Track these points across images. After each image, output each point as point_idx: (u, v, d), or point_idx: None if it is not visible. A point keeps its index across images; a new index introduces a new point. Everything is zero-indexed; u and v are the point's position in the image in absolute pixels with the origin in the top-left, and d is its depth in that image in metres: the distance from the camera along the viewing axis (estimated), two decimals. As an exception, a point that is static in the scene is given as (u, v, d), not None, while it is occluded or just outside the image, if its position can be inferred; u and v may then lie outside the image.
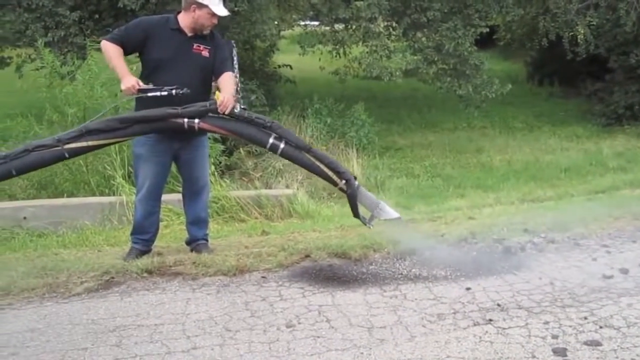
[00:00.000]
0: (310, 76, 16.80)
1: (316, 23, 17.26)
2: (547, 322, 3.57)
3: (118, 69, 4.38)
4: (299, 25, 18.63)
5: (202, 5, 4.44)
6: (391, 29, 13.86)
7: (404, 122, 15.34)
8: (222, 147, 8.73)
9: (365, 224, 4.53)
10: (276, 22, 17.15)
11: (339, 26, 14.43)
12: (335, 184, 4.44)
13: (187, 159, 4.76)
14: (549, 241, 5.01)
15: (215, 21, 4.52)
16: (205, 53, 4.53)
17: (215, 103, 4.21)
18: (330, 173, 4.40)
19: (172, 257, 4.74)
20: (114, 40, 4.43)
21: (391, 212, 4.47)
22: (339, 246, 4.86)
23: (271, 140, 4.27)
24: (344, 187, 4.40)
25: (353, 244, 4.89)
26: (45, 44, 10.36)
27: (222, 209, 6.78)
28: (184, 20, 4.52)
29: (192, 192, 4.91)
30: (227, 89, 4.34)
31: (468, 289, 4.08)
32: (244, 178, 9.13)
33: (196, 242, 4.98)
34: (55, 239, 5.98)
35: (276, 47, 15.40)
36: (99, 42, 11.62)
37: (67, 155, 4.06)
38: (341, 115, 12.31)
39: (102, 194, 7.09)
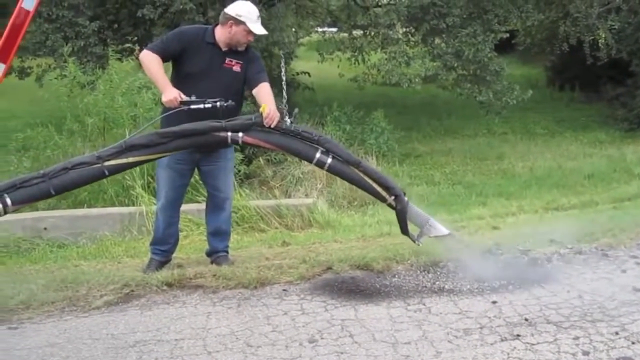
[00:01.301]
0: (328, 83, 16.75)
1: (334, 29, 17.24)
2: (577, 338, 3.47)
3: (159, 80, 4.33)
4: (317, 31, 18.63)
5: (239, 22, 4.40)
6: (410, 35, 13.78)
7: (423, 129, 15.24)
8: (241, 155, 8.69)
9: (414, 241, 4.40)
10: (294, 29, 17.16)
11: (357, 33, 14.39)
12: (384, 199, 4.30)
13: (209, 170, 4.72)
14: (576, 252, 4.89)
15: (251, 38, 4.47)
16: (237, 68, 4.48)
17: (261, 116, 4.09)
18: (378, 189, 4.26)
19: (192, 270, 4.68)
20: (154, 51, 4.39)
21: (441, 229, 4.34)
22: (361, 258, 4.78)
23: (318, 155, 4.13)
24: (393, 203, 4.26)
25: (375, 256, 4.81)
26: (63, 54, 10.44)
27: (242, 219, 6.73)
28: (221, 34, 4.47)
29: (214, 204, 4.87)
30: (270, 102, 4.25)
31: (494, 302, 3.98)
32: (263, 187, 9.08)
33: (216, 255, 4.93)
34: (75, 250, 5.97)
35: (294, 54, 15.36)
36: (118, 52, 11.74)
37: (107, 173, 3.93)
38: (360, 123, 12.25)
39: (121, 204, 7.07)
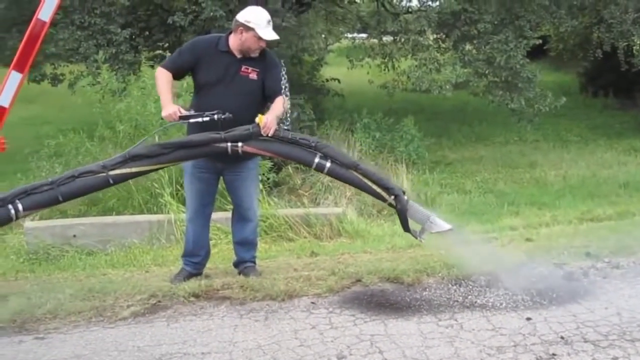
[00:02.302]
0: (358, 89, 16.66)
1: (364, 35, 17.18)
2: (615, 358, 3.35)
3: (162, 96, 4.38)
4: (347, 37, 18.58)
5: (248, 28, 4.37)
6: (440, 42, 13.64)
7: (454, 136, 15.06)
8: (270, 163, 8.65)
9: (417, 238, 4.32)
10: (324, 36, 17.16)
11: (387, 39, 14.30)
12: (384, 200, 4.28)
13: (232, 180, 4.70)
14: (614, 266, 4.73)
15: (262, 44, 4.43)
16: (254, 75, 4.45)
17: (258, 126, 4.12)
18: (378, 190, 4.24)
19: (219, 280, 4.64)
20: (166, 67, 4.47)
21: (442, 225, 4.24)
22: (391, 270, 4.69)
23: (317, 160, 4.16)
24: (393, 203, 4.23)
25: (405, 268, 4.72)
26: (96, 61, 10.53)
27: (270, 228, 6.68)
28: (233, 42, 4.45)
29: (239, 215, 4.84)
30: (272, 112, 4.27)
31: (529, 319, 3.86)
32: (292, 195, 9.02)
33: (244, 265, 4.88)
34: (103, 258, 5.97)
35: (324, 60, 15.31)
36: (150, 59, 11.83)
37: (111, 182, 4.00)
38: (390, 130, 12.12)
39: (149, 211, 7.06)
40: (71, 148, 8.15)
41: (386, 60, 13.91)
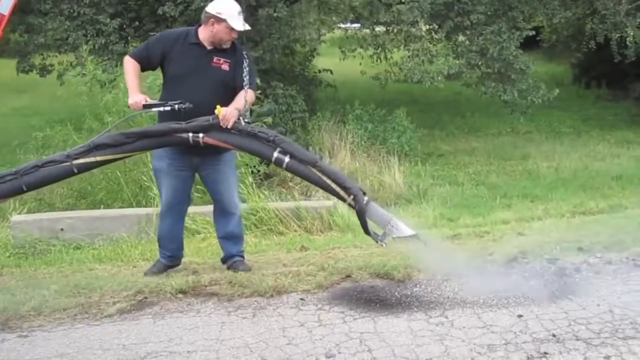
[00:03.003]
0: (351, 80, 16.58)
1: (357, 25, 17.05)
2: (608, 357, 3.29)
3: (129, 84, 4.40)
4: (340, 28, 18.45)
5: (220, 20, 4.35)
6: (433, 33, 13.56)
7: (446, 127, 15.02)
8: (260, 156, 8.57)
9: (377, 241, 4.24)
10: (316, 26, 17.03)
11: (379, 29, 14.20)
12: (343, 199, 4.25)
13: (209, 174, 4.65)
14: (606, 262, 4.67)
15: (234, 35, 4.42)
16: (225, 67, 4.43)
17: (217, 117, 4.14)
18: (337, 188, 4.20)
19: (207, 276, 4.57)
20: (133, 57, 4.48)
21: (405, 230, 4.16)
22: (382, 266, 4.63)
23: (276, 154, 4.16)
24: (352, 203, 4.18)
25: (396, 264, 4.65)
26: (90, 52, 10.41)
27: (260, 221, 6.61)
28: (203, 34, 4.44)
29: (221, 209, 4.78)
30: (232, 104, 4.27)
31: (520, 316, 3.80)
32: (282, 187, 8.95)
33: (232, 260, 4.82)
34: (91, 252, 5.88)
35: (316, 51, 15.21)
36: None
37: (76, 171, 4.06)
38: (382, 121, 12.07)
39: (138, 205, 6.99)
40: (59, 140, 8.06)
41: (378, 51, 13.82)
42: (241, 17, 4.42)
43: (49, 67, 13.19)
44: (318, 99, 14.56)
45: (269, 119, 9.99)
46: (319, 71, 14.84)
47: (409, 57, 12.65)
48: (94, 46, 11.47)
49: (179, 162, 4.51)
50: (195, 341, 3.64)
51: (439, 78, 12.25)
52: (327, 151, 10.72)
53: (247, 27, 4.46)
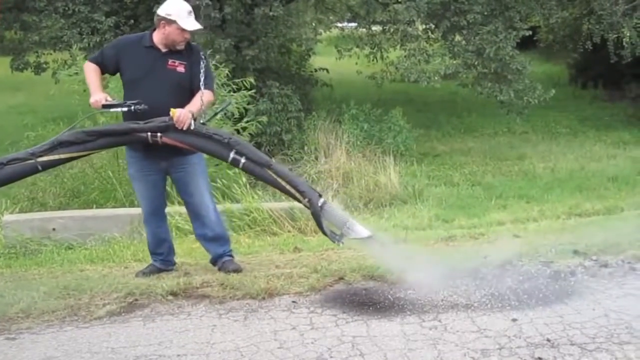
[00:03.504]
0: (347, 79, 16.53)
1: (354, 24, 17.00)
2: (603, 362, 3.26)
3: (91, 85, 4.41)
4: (337, 27, 18.40)
5: (170, 21, 4.36)
6: (430, 32, 13.52)
7: (442, 127, 14.96)
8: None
9: (334, 241, 4.27)
10: (313, 24, 16.97)
11: (376, 29, 14.16)
12: (299, 200, 4.30)
13: (179, 177, 4.66)
14: (602, 265, 4.63)
15: (187, 36, 4.43)
16: (181, 68, 4.45)
17: (172, 119, 4.18)
18: (292, 190, 4.24)
19: (199, 278, 4.54)
20: (92, 60, 4.55)
21: (361, 231, 4.22)
22: (375, 268, 4.58)
23: (232, 155, 4.23)
24: (308, 205, 4.22)
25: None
26: (81, 49, 10.33)
27: (254, 222, 6.55)
28: (157, 36, 4.46)
29: (193, 212, 4.79)
30: (188, 105, 4.29)
31: (514, 320, 3.76)
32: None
33: (221, 260, 4.79)
34: (82, 253, 5.83)
35: (312, 51, 15.15)
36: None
37: (40, 168, 4.13)
38: (378, 121, 12.01)
39: (131, 205, 6.93)
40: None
41: (375, 50, 13.78)
42: (192, 17, 4.44)
43: (44, 65, 13.09)
44: (314, 99, 14.50)
45: (264, 118, 9.96)
46: (315, 70, 14.79)
47: (405, 56, 12.59)
48: (89, 44, 11.39)
49: (147, 167, 4.56)
50: (185, 344, 3.59)
51: (436, 78, 12.19)
52: (322, 151, 10.66)
53: (198, 27, 4.50)
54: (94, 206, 7.10)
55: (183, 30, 4.36)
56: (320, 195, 4.22)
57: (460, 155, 12.56)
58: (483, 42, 11.83)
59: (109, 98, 4.34)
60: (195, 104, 4.31)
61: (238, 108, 8.49)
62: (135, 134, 4.24)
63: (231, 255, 4.85)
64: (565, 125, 15.27)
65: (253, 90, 9.23)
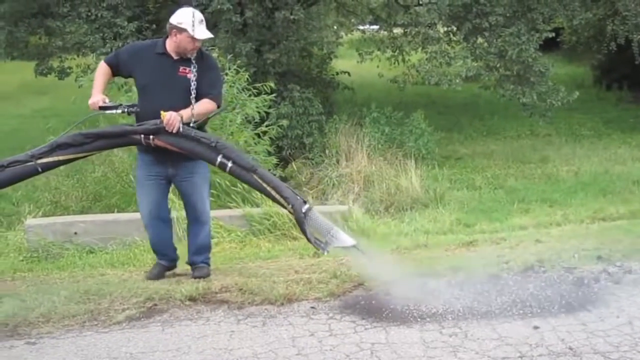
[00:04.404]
0: (368, 82, 16.50)
1: (376, 27, 16.97)
2: (627, 371, 3.19)
3: (94, 84, 4.54)
4: (358, 29, 18.39)
5: (181, 30, 4.42)
6: (451, 35, 13.43)
7: (464, 130, 14.86)
8: (275, 160, 8.53)
9: (318, 249, 4.29)
10: (334, 27, 16.97)
11: (397, 31, 14.11)
12: (284, 206, 4.31)
13: (182, 185, 4.72)
14: (626, 271, 4.54)
15: (198, 44, 4.48)
16: (191, 76, 4.48)
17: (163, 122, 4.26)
18: (277, 196, 4.25)
19: (218, 283, 4.53)
20: (106, 61, 4.65)
21: (345, 240, 4.22)
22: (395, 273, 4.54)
23: (219, 159, 4.28)
24: (291, 211, 4.24)
25: (410, 271, 4.56)
26: (104, 54, 10.41)
27: (273, 226, 6.54)
28: (169, 44, 4.54)
29: (194, 218, 4.84)
30: (184, 110, 4.34)
31: (536, 327, 3.70)
32: (298, 191, 8.89)
33: (195, 266, 4.84)
34: (103, 257, 5.87)
35: (334, 54, 15.15)
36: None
37: (40, 170, 4.21)
38: (400, 124, 11.95)
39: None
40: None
41: (396, 53, 13.73)
42: (203, 26, 4.49)
43: (67, 70, 13.23)
44: (335, 102, 14.48)
45: (285, 122, 9.97)
46: (337, 73, 14.77)
47: (426, 59, 12.52)
48: (112, 49, 11.47)
49: (155, 172, 4.62)
50: (203, 350, 3.59)
51: (457, 80, 12.10)
52: (343, 154, 10.64)
53: (210, 36, 4.57)
54: (115, 210, 7.14)
55: (194, 38, 4.41)
56: (305, 202, 4.24)
57: (483, 158, 12.45)
58: (505, 44, 11.72)
59: (106, 100, 4.43)
60: (186, 112, 4.37)
61: (259, 112, 8.50)
62: (130, 136, 4.36)
63: (208, 263, 4.90)
64: (589, 127, 15.08)
65: (274, 94, 9.24)
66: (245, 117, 8.25)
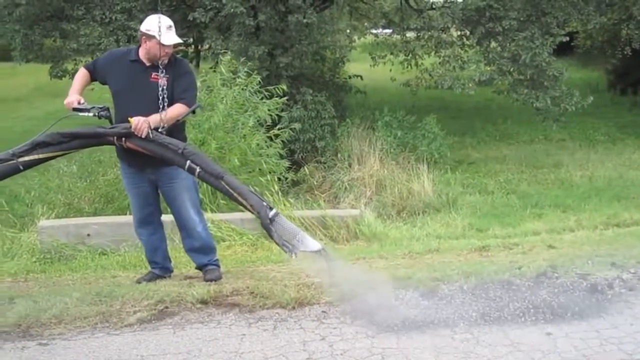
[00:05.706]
0: (381, 85, 16.48)
1: (388, 31, 16.97)
2: (640, 380, 3.16)
3: (72, 85, 4.60)
4: (371, 33, 18.39)
5: (150, 37, 4.45)
6: (464, 39, 13.41)
7: (477, 134, 14.82)
8: (287, 163, 8.53)
9: (287, 252, 4.22)
10: (348, 31, 16.97)
11: (410, 35, 14.10)
12: (251, 212, 4.29)
13: (167, 191, 4.75)
14: (640, 278, 4.52)
15: (168, 50, 4.48)
16: (163, 81, 4.48)
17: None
18: (244, 202, 4.25)
19: (229, 286, 4.53)
20: (85, 67, 4.74)
21: (311, 245, 4.20)
22: (407, 277, 4.52)
23: (188, 163, 4.29)
24: (258, 217, 4.26)
25: (421, 276, 4.54)
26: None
27: (285, 230, 6.53)
28: (141, 51, 4.57)
29: (180, 225, 4.87)
30: (153, 115, 4.35)
31: (549, 334, 3.67)
32: (309, 195, 8.90)
33: (205, 268, 4.85)
34: (115, 259, 5.90)
35: (346, 57, 15.15)
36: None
37: (21, 168, 4.27)
38: (412, 128, 11.93)
39: (164, 211, 6.96)
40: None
41: (409, 57, 13.72)
42: (171, 31, 4.50)
43: (81, 72, 13.29)
44: (348, 105, 14.48)
45: (297, 125, 9.98)
46: (349, 77, 14.76)
47: (439, 63, 12.52)
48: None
49: (137, 178, 4.69)
50: (214, 354, 3.59)
51: (470, 84, 12.08)
52: (355, 158, 10.62)
53: (178, 40, 4.56)
54: (127, 212, 7.15)
55: (162, 45, 4.42)
56: (271, 208, 4.22)
57: (495, 163, 12.41)
58: (519, 49, 11.67)
59: (82, 101, 4.47)
60: (155, 115, 4.38)
61: (271, 115, 8.52)
62: (104, 137, 4.45)
63: (217, 265, 4.90)
64: (603, 132, 15.00)
65: (286, 97, 9.25)
66: (258, 120, 8.26)
